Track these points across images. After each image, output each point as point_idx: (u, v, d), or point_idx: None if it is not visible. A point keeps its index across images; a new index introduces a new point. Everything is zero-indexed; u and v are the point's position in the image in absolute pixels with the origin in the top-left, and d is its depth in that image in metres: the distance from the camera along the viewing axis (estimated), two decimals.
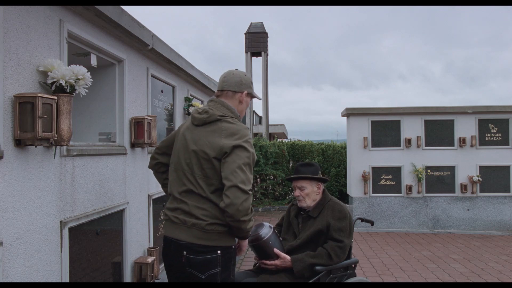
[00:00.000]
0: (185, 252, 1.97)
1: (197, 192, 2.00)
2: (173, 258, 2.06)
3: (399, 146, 7.80)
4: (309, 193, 2.82)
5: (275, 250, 2.64)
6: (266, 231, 2.57)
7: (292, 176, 2.93)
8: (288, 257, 2.64)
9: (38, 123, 1.97)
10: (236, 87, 2.18)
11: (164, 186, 2.36)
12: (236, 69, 2.29)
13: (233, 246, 2.05)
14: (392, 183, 7.80)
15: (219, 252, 1.98)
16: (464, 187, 7.65)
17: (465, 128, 7.74)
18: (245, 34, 14.48)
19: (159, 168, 2.33)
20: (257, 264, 2.86)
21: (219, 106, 2.11)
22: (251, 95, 2.25)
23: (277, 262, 2.63)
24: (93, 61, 2.84)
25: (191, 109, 4.75)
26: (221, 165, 1.97)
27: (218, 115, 2.07)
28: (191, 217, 1.99)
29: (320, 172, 2.91)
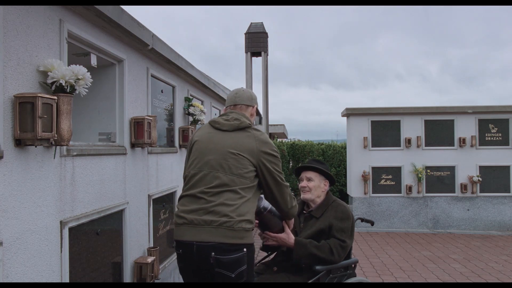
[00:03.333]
0: (213, 253, 2.03)
1: (230, 189, 2.11)
2: (198, 262, 2.08)
3: (399, 146, 7.81)
4: (315, 187, 2.82)
5: (284, 223, 2.57)
6: (266, 203, 2.45)
7: (305, 164, 2.93)
8: (293, 237, 2.60)
9: (38, 123, 1.97)
10: (249, 101, 2.43)
11: None
12: (243, 88, 2.54)
13: (253, 243, 2.18)
14: (392, 183, 7.80)
15: (245, 250, 2.08)
16: (464, 187, 7.65)
17: (465, 128, 7.75)
18: (245, 34, 14.46)
19: None
20: (257, 264, 2.86)
21: (242, 117, 2.31)
22: (258, 110, 2.44)
23: (282, 235, 2.57)
24: (93, 61, 2.84)
25: (191, 109, 4.74)
26: (263, 173, 2.22)
27: (248, 123, 2.29)
28: (217, 215, 2.05)
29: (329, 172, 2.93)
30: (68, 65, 2.31)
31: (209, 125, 2.34)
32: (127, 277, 3.27)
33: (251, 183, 2.18)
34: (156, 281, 3.56)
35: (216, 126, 2.29)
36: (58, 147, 2.30)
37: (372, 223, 3.23)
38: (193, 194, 2.13)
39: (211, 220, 2.04)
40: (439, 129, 7.80)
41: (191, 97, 5.00)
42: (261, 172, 2.22)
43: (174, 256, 4.20)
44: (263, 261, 2.96)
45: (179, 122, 4.65)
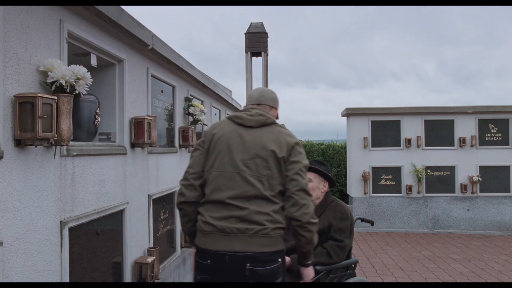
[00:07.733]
0: (248, 264, 1.86)
1: (261, 195, 1.92)
2: (230, 274, 1.88)
3: (399, 146, 7.81)
4: (314, 188, 2.81)
5: None
6: None
7: None
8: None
9: (38, 123, 1.97)
10: (273, 102, 2.22)
11: (190, 221, 2.07)
12: (266, 87, 2.36)
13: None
14: (392, 183, 7.80)
15: (280, 260, 1.95)
16: (464, 187, 7.65)
17: (465, 128, 7.75)
18: (245, 34, 14.47)
19: (198, 197, 2.04)
20: None
21: (267, 113, 2.12)
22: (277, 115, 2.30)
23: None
24: (93, 61, 2.84)
25: (191, 109, 4.75)
26: (285, 165, 1.98)
27: (273, 119, 2.12)
28: (252, 224, 1.89)
29: (330, 174, 2.92)
30: (68, 65, 2.31)
31: (229, 121, 2.09)
32: (127, 277, 3.27)
33: (280, 185, 1.97)
34: (156, 281, 3.56)
35: (238, 121, 2.06)
36: (58, 147, 2.30)
37: (372, 223, 3.23)
38: (221, 200, 1.93)
39: (246, 228, 1.88)
40: (439, 129, 7.80)
41: (191, 97, 5.00)
42: (287, 166, 2.01)
43: (174, 256, 4.20)
44: None
45: (179, 122, 4.65)
